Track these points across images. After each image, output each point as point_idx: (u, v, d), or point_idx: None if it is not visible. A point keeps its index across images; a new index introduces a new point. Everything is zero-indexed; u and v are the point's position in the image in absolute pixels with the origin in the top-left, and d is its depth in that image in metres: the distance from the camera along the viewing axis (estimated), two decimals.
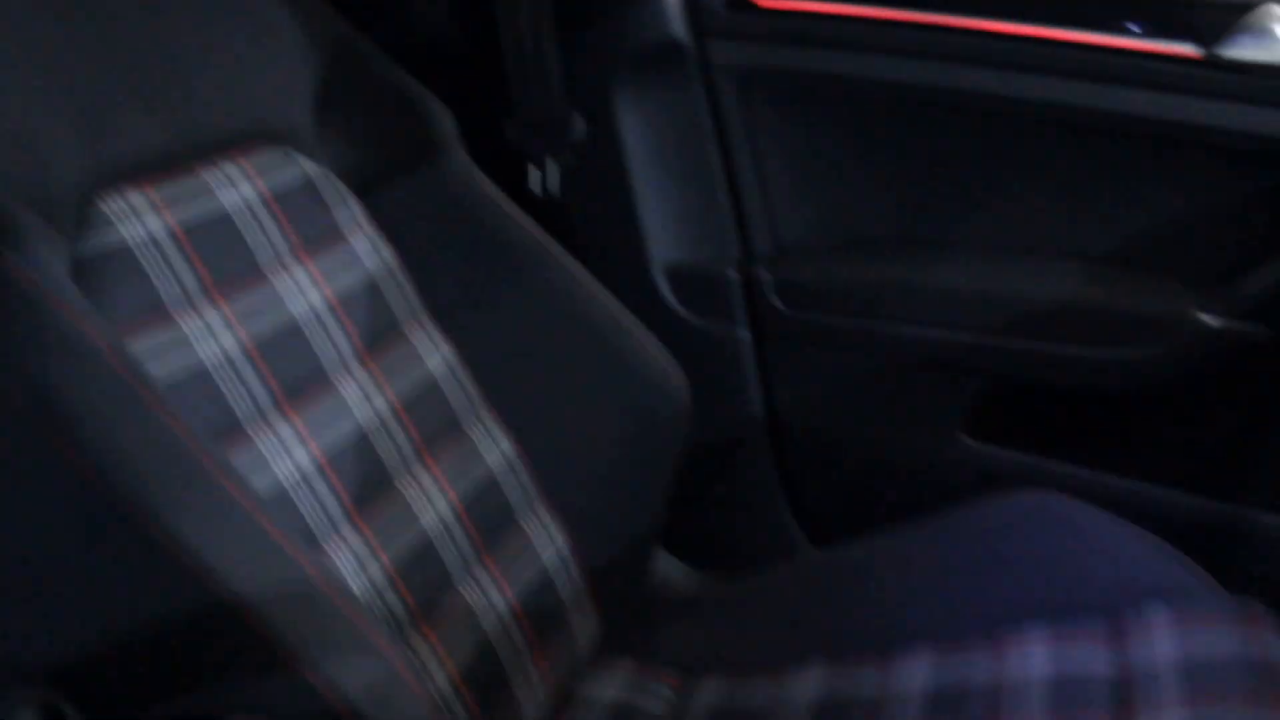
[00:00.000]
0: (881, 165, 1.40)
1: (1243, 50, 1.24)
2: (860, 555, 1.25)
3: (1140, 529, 1.15)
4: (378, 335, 1.12)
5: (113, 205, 0.91)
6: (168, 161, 0.97)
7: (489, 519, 1.13)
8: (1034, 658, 1.04)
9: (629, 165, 1.42)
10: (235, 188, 1.03)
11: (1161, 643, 1.01)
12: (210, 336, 0.93)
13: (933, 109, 1.36)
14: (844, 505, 1.47)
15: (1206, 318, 1.25)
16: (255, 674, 0.75)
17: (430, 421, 1.12)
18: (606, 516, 1.20)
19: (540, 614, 1.13)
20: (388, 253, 1.15)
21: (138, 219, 0.92)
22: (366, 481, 1.02)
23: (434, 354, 1.16)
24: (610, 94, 1.40)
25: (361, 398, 1.06)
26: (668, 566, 1.49)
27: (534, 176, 1.40)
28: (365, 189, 1.16)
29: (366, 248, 1.13)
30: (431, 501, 1.07)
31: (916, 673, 1.10)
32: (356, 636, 0.79)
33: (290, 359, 1.02)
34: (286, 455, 0.95)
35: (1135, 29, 1.31)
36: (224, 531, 0.76)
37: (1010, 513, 1.20)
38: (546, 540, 1.17)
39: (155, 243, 0.92)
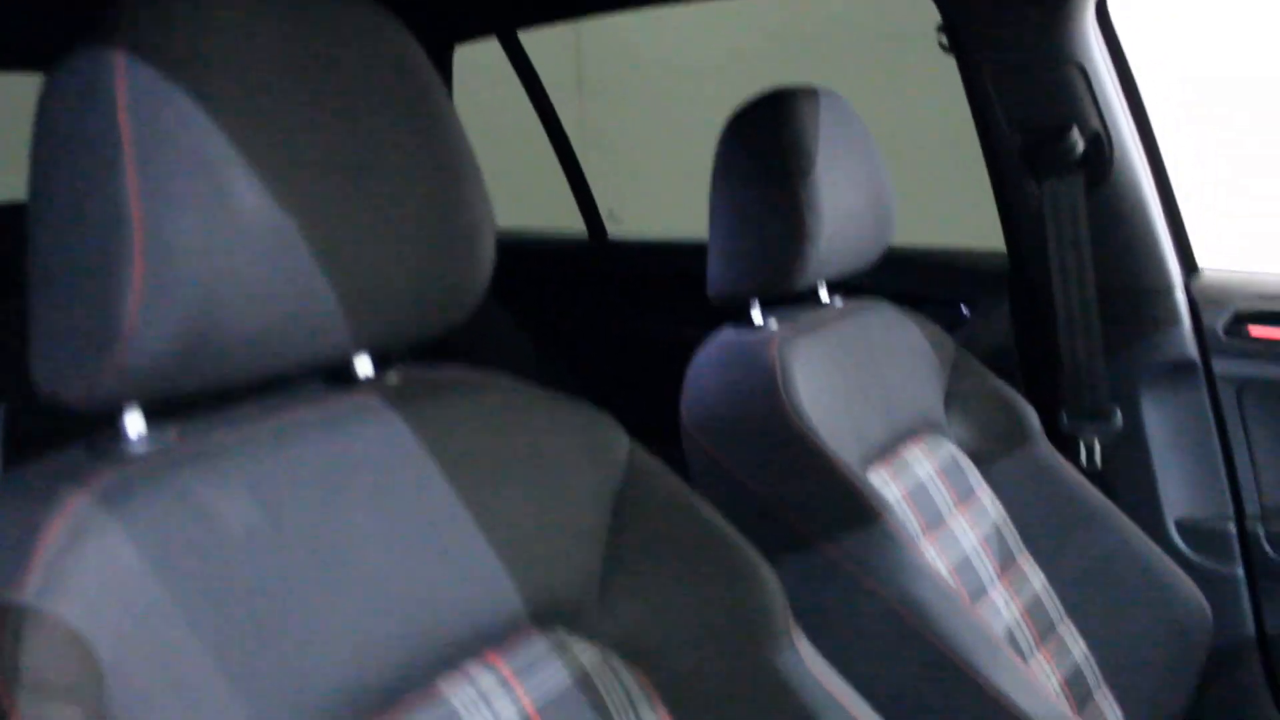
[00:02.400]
0: None
1: None
2: None
3: None
4: (1006, 561, 1.51)
5: None
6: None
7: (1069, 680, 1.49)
8: None
9: (1151, 445, 1.83)
10: (922, 465, 1.50)
11: None
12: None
13: None
14: None
15: None
16: None
17: (1034, 612, 1.49)
18: (1148, 697, 1.51)
19: None
20: (1000, 507, 1.56)
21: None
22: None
23: (1036, 577, 1.54)
24: (1139, 394, 1.83)
25: (1004, 601, 1.45)
26: None
27: (1084, 453, 1.83)
28: (978, 461, 1.58)
29: (989, 501, 1.55)
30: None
31: None
32: None
33: (966, 572, 1.43)
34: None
35: None
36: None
37: None
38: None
39: None
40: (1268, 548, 1.78)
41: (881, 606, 1.23)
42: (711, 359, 1.39)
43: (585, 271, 2.73)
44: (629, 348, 2.53)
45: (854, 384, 1.45)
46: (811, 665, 0.94)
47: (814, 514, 1.28)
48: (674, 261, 2.51)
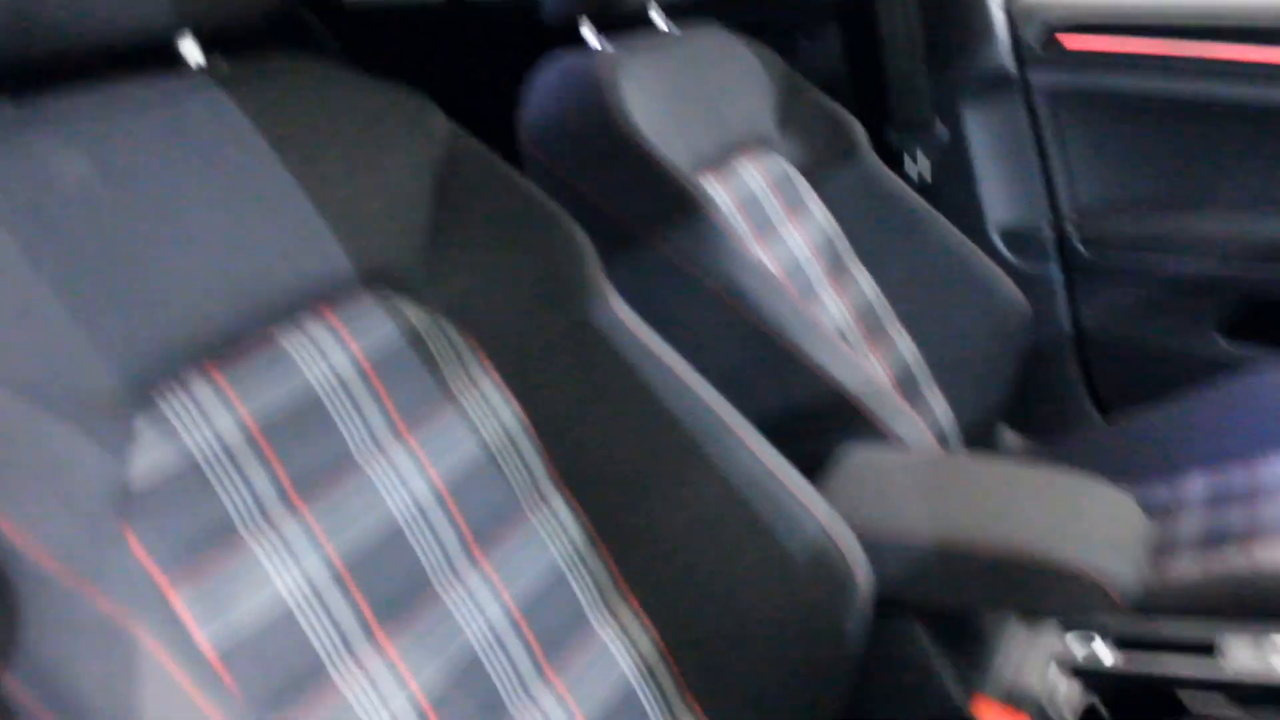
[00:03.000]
0: (1153, 149, 1.87)
1: None
2: (1149, 421, 1.69)
3: None
4: (836, 267, 1.57)
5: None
6: None
7: None
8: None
9: (974, 156, 1.92)
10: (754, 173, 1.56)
11: None
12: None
13: (1187, 111, 1.83)
14: (1130, 387, 1.93)
15: None
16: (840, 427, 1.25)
17: (864, 314, 1.61)
18: (973, 391, 1.62)
19: None
20: (830, 218, 1.62)
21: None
22: None
23: (865, 281, 1.61)
24: (961, 108, 1.91)
25: (834, 303, 1.56)
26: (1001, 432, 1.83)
27: (910, 166, 1.91)
28: (809, 176, 1.65)
29: (819, 212, 1.61)
30: None
31: (1195, 488, 1.55)
32: None
33: (796, 275, 1.57)
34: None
35: None
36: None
37: (1252, 384, 1.64)
38: None
39: None
40: (1082, 248, 1.90)
41: (710, 297, 1.30)
42: (546, 79, 1.43)
43: (441, 35, 2.73)
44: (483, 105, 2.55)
45: (685, 98, 1.49)
46: (627, 321, 1.01)
47: (644, 214, 1.34)
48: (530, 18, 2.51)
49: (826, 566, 0.97)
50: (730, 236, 1.32)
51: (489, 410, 0.96)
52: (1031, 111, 1.91)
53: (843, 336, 1.55)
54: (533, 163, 1.40)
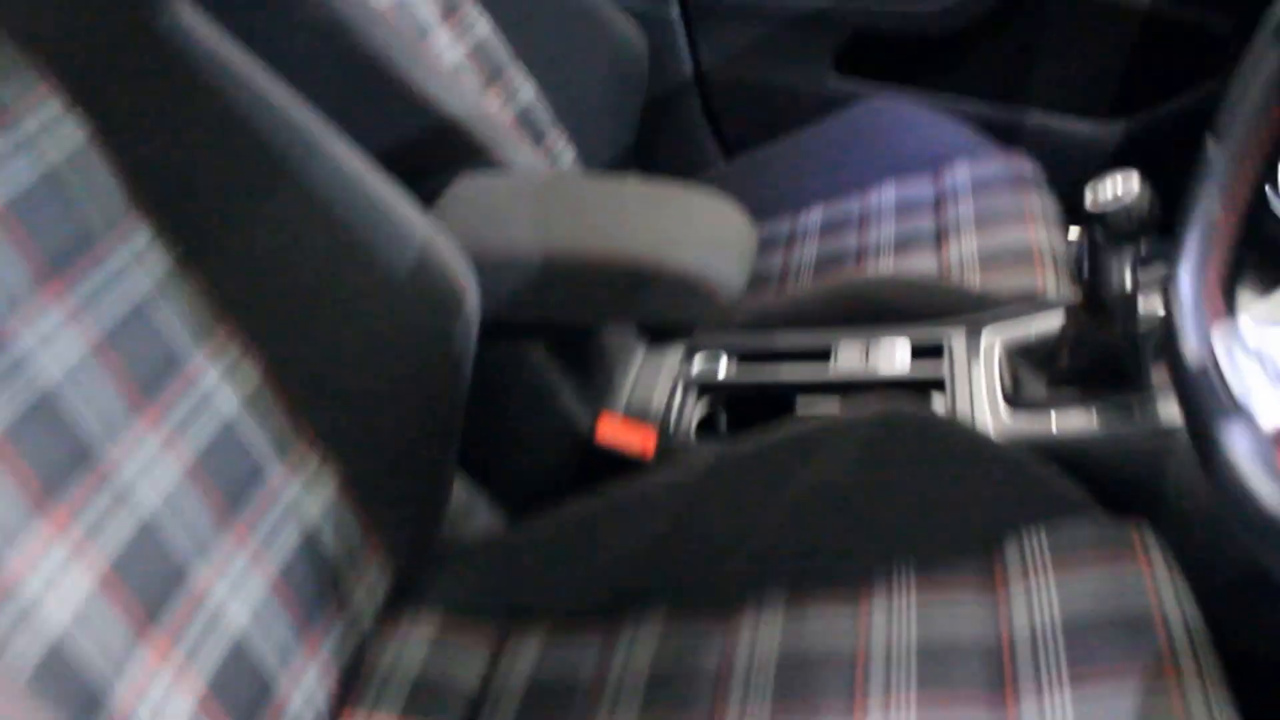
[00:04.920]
0: None
1: None
2: (769, 157, 1.74)
3: (950, 116, 1.63)
4: (449, 6, 1.42)
5: None
6: None
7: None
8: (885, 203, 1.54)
9: None
10: None
11: (962, 188, 1.53)
12: None
13: None
14: (751, 126, 1.90)
15: None
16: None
17: (481, 54, 1.18)
18: (596, 134, 1.41)
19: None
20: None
21: None
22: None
23: (483, 21, 1.45)
24: None
25: (450, 44, 1.28)
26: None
27: None
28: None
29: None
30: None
31: (813, 217, 1.62)
32: None
33: (403, 14, 1.28)
34: None
35: None
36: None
37: (861, 116, 1.70)
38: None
39: None
40: None
41: (308, 26, 1.19)
42: None
43: None
44: None
45: None
46: (199, 29, 0.87)
47: None
48: None
49: (431, 283, 0.91)
50: None
51: (48, 128, 0.79)
52: None
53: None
54: None
